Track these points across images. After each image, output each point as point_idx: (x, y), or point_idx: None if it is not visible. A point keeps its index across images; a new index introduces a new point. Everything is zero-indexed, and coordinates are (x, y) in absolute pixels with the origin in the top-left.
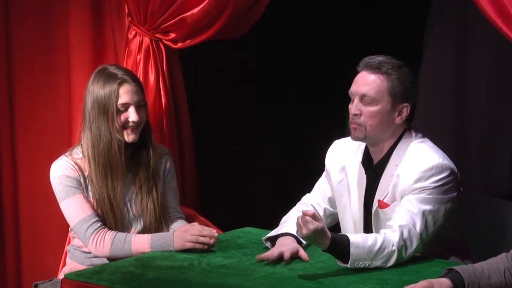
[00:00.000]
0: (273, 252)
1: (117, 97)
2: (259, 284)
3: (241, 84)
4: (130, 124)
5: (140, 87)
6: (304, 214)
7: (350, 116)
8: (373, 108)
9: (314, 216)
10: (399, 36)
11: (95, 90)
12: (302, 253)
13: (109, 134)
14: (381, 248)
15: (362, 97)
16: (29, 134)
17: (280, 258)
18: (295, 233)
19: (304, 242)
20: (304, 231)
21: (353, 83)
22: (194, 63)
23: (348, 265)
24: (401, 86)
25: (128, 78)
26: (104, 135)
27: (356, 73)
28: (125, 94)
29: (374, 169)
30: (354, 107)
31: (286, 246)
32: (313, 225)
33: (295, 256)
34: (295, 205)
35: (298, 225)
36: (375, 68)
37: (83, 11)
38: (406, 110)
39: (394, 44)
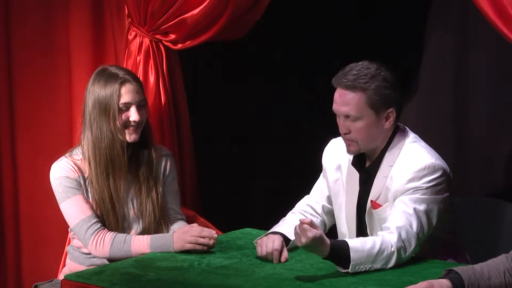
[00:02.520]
0: (261, 247)
1: (119, 96)
2: (259, 285)
3: (241, 85)
4: (132, 124)
5: (141, 86)
6: (302, 222)
7: (341, 133)
8: (359, 125)
9: (312, 224)
10: (399, 36)
11: (96, 90)
12: (285, 254)
13: (111, 134)
14: (380, 251)
15: (346, 116)
16: (29, 135)
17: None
18: (283, 233)
19: (292, 239)
20: (303, 240)
21: (334, 102)
22: (194, 64)
23: (349, 270)
24: (380, 96)
25: (129, 77)
26: (106, 135)
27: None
28: (126, 93)
29: (367, 170)
30: (341, 126)
31: (271, 244)
32: (311, 233)
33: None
34: (294, 205)
35: (296, 234)
36: (350, 86)
37: (83, 12)
38: (392, 114)
39: (394, 45)
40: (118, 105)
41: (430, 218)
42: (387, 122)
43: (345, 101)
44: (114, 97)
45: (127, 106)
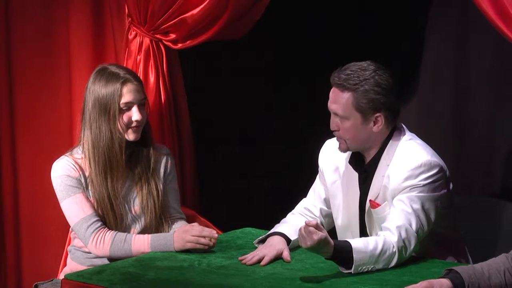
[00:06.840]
0: (253, 255)
1: (120, 96)
2: (259, 285)
3: (241, 85)
4: (134, 123)
5: (141, 85)
6: (307, 224)
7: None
8: (345, 124)
9: (317, 226)
10: (399, 36)
11: (97, 89)
12: (286, 254)
13: (109, 133)
14: (383, 251)
15: (335, 114)
16: (29, 135)
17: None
18: (284, 233)
19: (292, 239)
20: (309, 242)
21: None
22: (194, 64)
23: (352, 271)
24: (368, 99)
25: (130, 77)
26: (105, 134)
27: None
28: (128, 93)
29: (365, 169)
30: (331, 123)
31: (269, 249)
32: (317, 235)
33: (279, 257)
34: (295, 205)
35: (301, 236)
36: (340, 85)
37: (83, 11)
38: (380, 119)
39: (394, 45)
40: (119, 104)
41: (428, 216)
42: (375, 126)
43: (335, 99)
44: (116, 96)
45: (129, 106)
